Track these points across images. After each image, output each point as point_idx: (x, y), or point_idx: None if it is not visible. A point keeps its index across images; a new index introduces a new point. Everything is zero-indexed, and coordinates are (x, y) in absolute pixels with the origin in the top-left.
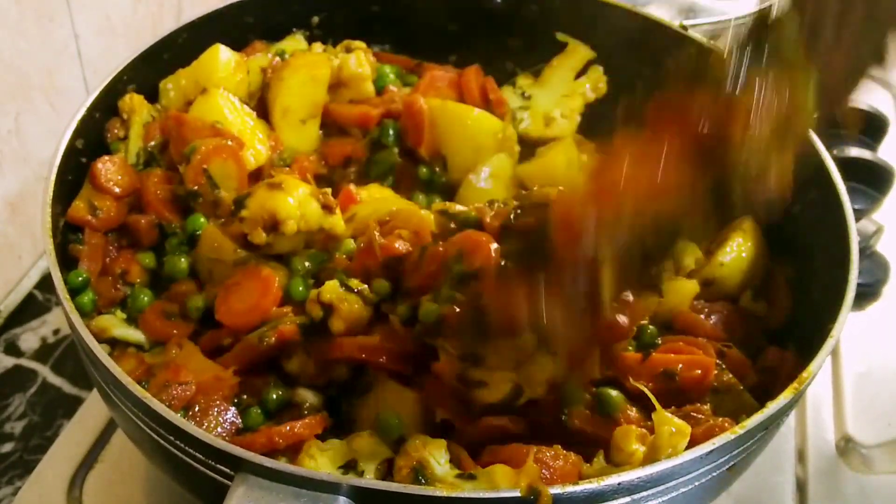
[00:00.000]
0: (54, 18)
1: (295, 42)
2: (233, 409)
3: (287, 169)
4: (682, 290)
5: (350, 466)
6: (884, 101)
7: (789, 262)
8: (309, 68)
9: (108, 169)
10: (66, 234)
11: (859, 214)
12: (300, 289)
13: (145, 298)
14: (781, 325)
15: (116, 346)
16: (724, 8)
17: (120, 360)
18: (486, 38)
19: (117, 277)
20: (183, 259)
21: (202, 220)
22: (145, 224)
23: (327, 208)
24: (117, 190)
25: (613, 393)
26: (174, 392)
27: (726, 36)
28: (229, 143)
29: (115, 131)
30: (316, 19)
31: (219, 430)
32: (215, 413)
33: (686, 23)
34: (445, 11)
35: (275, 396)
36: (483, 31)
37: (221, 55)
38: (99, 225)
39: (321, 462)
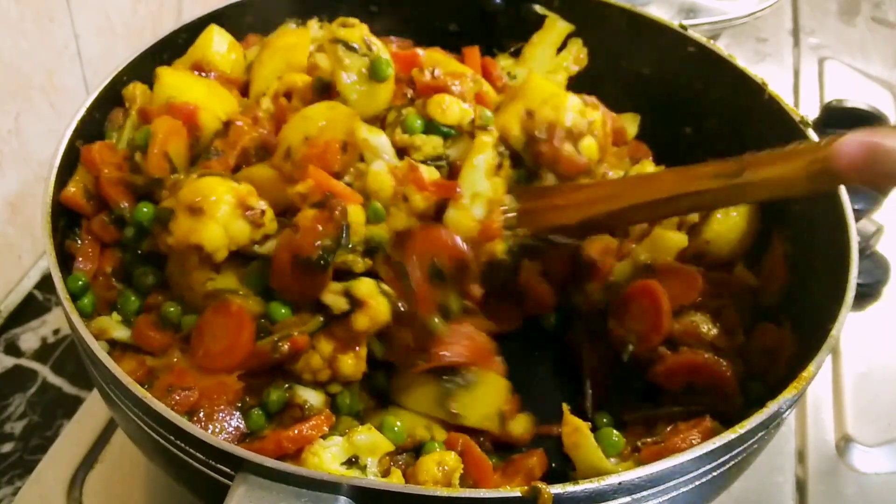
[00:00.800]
0: (54, 18)
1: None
2: (237, 413)
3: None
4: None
5: (353, 461)
6: (884, 100)
7: (786, 233)
8: (285, 52)
9: (99, 152)
10: (66, 233)
11: (859, 214)
12: (282, 311)
13: (134, 299)
14: (777, 302)
15: (116, 346)
16: (724, 8)
17: (120, 362)
18: (486, 39)
19: (108, 276)
20: (151, 277)
21: (150, 207)
22: (98, 224)
23: (255, 224)
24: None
25: None
26: (177, 397)
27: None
28: (182, 116)
29: (117, 120)
30: (316, 19)
31: (223, 435)
32: (220, 418)
33: (686, 23)
34: (445, 11)
35: (276, 398)
36: (483, 32)
37: (216, 36)
38: (91, 210)
39: (324, 459)
